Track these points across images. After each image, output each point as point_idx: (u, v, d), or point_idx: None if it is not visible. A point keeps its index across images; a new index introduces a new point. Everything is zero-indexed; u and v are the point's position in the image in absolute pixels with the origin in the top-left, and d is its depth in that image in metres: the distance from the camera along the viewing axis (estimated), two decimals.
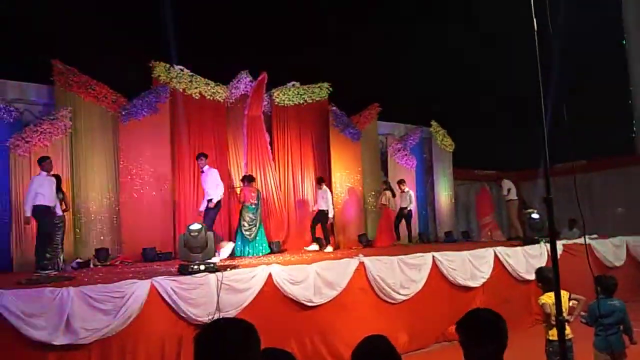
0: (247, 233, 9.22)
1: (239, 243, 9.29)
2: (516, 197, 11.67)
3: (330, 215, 10.29)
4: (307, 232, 10.97)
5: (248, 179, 9.52)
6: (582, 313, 4.61)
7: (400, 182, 11.63)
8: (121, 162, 9.03)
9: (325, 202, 10.18)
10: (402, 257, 7.10)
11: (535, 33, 2.88)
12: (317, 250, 9.79)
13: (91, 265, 7.98)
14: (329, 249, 9.95)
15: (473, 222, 15.34)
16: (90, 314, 4.70)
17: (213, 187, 8.23)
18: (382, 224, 11.24)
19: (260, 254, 9.17)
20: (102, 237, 8.81)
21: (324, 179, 10.60)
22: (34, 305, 4.47)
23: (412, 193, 11.62)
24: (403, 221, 11.41)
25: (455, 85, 14.16)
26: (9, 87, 8.63)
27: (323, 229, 10.18)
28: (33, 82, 8.91)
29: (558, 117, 3.12)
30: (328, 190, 10.41)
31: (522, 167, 14.90)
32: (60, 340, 4.47)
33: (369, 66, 13.44)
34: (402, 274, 6.95)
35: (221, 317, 1.87)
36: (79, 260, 7.96)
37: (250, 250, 9.19)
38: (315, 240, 10.09)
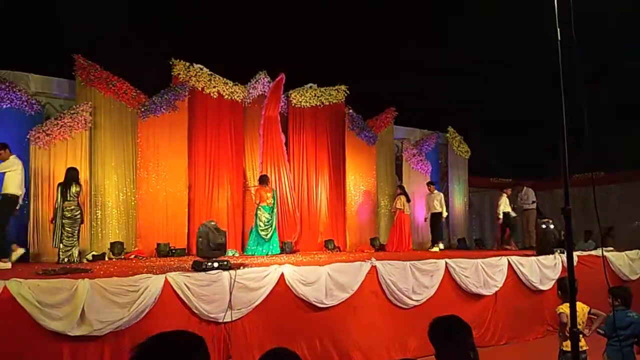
0: (264, 233, 9.28)
1: (252, 242, 9.35)
2: (535, 207, 11.73)
3: (445, 215, 11.52)
4: (319, 233, 11.02)
5: (263, 180, 9.58)
6: (599, 330, 4.57)
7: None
8: (139, 158, 9.14)
9: (440, 204, 11.34)
10: (415, 262, 7.08)
11: (559, 43, 2.87)
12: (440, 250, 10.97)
13: (106, 259, 8.10)
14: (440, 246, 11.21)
15: (487, 229, 15.23)
16: (105, 306, 4.76)
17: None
18: (394, 229, 11.20)
19: (271, 254, 9.22)
20: (117, 231, 8.92)
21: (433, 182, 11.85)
22: (51, 296, 4.54)
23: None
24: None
25: (473, 91, 14.08)
26: (32, 80, 8.79)
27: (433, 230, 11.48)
28: (55, 76, 9.07)
29: (578, 127, 3.10)
30: (440, 192, 11.65)
31: (538, 176, 14.77)
32: (75, 331, 4.54)
33: (386, 70, 13.42)
34: (414, 280, 6.93)
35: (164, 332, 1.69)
36: (94, 253, 8.08)
37: (263, 250, 9.24)
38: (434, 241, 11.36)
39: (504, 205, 11.51)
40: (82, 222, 7.77)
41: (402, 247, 10.87)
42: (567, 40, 2.88)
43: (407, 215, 11.21)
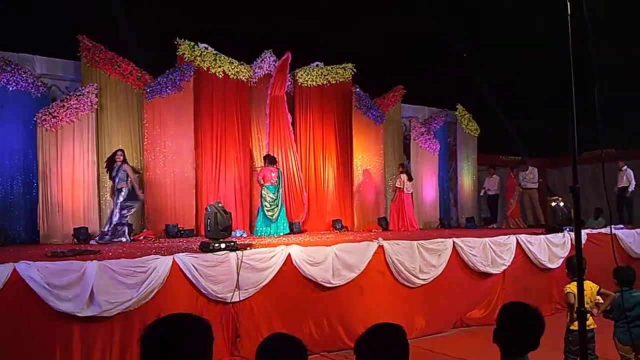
0: (270, 213, 9.26)
1: (259, 223, 9.35)
2: (537, 186, 12.16)
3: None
4: (327, 213, 11.01)
5: (269, 160, 9.55)
6: (608, 314, 4.52)
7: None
8: (145, 140, 9.13)
9: (498, 186, 12.72)
10: (422, 242, 7.06)
11: (569, 16, 2.79)
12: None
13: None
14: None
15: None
16: (114, 287, 4.80)
17: None
18: (394, 208, 11.11)
19: (281, 234, 9.22)
20: None
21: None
22: (60, 277, 4.58)
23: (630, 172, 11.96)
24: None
25: (482, 68, 13.83)
26: (37, 62, 8.77)
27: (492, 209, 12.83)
28: (61, 57, 9.04)
29: (589, 102, 3.03)
30: (497, 176, 12.90)
31: (548, 154, 14.60)
32: (84, 312, 4.59)
33: (394, 47, 13.20)
34: (421, 259, 6.92)
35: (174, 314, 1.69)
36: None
37: (271, 230, 9.24)
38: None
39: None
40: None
41: (405, 226, 10.80)
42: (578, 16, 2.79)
43: (408, 194, 11.10)
